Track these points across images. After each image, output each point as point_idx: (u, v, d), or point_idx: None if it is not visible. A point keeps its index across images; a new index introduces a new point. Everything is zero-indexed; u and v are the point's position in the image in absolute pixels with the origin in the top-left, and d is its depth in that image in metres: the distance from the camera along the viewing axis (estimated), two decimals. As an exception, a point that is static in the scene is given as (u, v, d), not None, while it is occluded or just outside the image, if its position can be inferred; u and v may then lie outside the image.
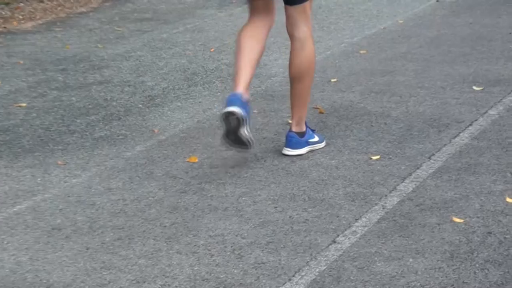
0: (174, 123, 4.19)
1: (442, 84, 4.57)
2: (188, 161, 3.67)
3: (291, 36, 3.69)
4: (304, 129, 3.72)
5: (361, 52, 5.28)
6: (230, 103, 3.46)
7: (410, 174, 3.42)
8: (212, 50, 5.47)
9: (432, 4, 6.42)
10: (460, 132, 3.87)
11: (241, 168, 3.57)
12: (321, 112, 4.23)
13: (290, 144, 3.70)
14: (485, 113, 4.11)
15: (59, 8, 6.79)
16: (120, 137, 4.02)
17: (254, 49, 3.63)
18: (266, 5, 3.68)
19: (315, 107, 4.30)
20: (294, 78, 3.68)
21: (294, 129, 3.70)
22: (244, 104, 3.47)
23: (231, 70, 5.05)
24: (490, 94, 4.38)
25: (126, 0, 7.04)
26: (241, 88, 3.52)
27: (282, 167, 3.56)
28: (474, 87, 4.49)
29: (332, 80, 4.74)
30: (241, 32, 3.69)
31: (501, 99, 4.29)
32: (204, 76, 4.94)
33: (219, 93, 4.61)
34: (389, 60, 5.05)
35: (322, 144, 3.78)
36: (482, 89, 4.46)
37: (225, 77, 4.89)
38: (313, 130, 3.81)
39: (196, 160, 3.68)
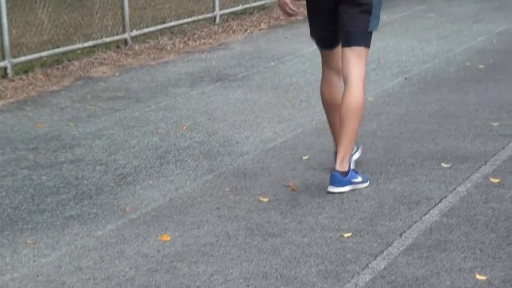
0: (146, 201, 4.18)
1: (411, 161, 4.62)
2: (160, 240, 3.65)
3: (345, 78, 4.11)
4: (346, 168, 4.08)
5: (332, 129, 5.34)
6: (332, 183, 4.09)
7: (382, 252, 3.43)
8: (184, 128, 5.51)
9: (400, 81, 6.54)
10: (430, 209, 3.91)
11: (213, 246, 3.55)
12: (293, 190, 4.25)
13: (333, 182, 4.07)
14: (454, 190, 4.16)
15: (30, 87, 6.80)
16: (91, 215, 4.00)
17: (338, 111, 4.13)
18: (332, 54, 4.22)
19: (286, 184, 4.32)
20: (342, 116, 4.08)
21: (338, 168, 4.07)
22: (345, 181, 4.08)
23: (203, 148, 5.07)
24: (458, 171, 4.44)
25: (98, 78, 7.08)
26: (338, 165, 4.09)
27: (254, 245, 3.55)
28: (443, 164, 4.55)
29: (304, 157, 4.78)
30: (322, 93, 4.32)
31: (469, 176, 4.35)
32: (176, 154, 4.96)
33: (191, 171, 4.62)
34: (359, 137, 5.10)
35: (366, 184, 4.16)
36: (451, 166, 4.52)
37: (197, 155, 4.91)
38: (356, 172, 4.16)
39: (168, 239, 3.66)
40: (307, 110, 5.83)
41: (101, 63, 7.58)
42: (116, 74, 7.24)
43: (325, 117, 5.60)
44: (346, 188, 4.09)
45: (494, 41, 7.92)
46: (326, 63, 4.29)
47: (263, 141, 5.14)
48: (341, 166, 4.08)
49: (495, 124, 5.26)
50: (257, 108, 5.92)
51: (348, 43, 4.09)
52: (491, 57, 7.20)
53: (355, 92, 4.07)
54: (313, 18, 4.26)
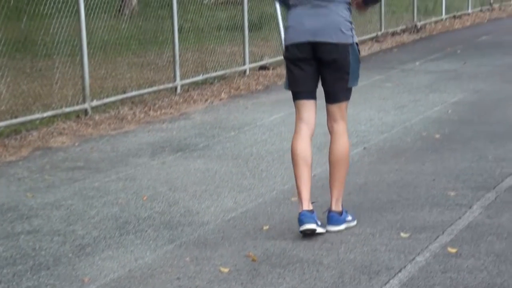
0: (105, 272, 4.13)
1: (371, 230, 4.65)
2: (118, 312, 3.60)
3: (331, 130, 4.63)
4: (341, 209, 4.61)
5: (293, 199, 5.36)
6: (302, 221, 4.48)
7: (343, 322, 3.42)
8: (145, 198, 5.49)
9: (359, 151, 6.61)
10: (390, 279, 3.92)
11: (173, 319, 3.51)
12: (253, 260, 4.24)
13: (331, 221, 4.57)
14: (413, 259, 4.19)
15: (-13, 158, 6.74)
16: (49, 287, 3.94)
17: (307, 166, 4.57)
18: (308, 106, 4.60)
19: (247, 254, 4.31)
20: (333, 164, 4.60)
21: (333, 208, 4.59)
22: (314, 217, 4.49)
23: (164, 218, 5.05)
24: (417, 240, 4.47)
25: (58, 149, 7.05)
26: (306, 206, 4.50)
27: (214, 317, 3.52)
28: (402, 234, 4.58)
29: (264, 227, 4.78)
30: (293, 146, 4.60)
31: (427, 246, 4.39)
32: (136, 224, 4.93)
33: (151, 242, 4.59)
34: (319, 207, 5.13)
35: (355, 222, 4.67)
36: (409, 235, 4.56)
37: (157, 226, 4.88)
38: (346, 211, 4.65)
39: (127, 311, 3.61)
40: (268, 180, 5.85)
41: (61, 133, 7.55)
42: (76, 144, 7.21)
43: (285, 186, 5.66)
44: (343, 227, 4.60)
45: (450, 111, 8.08)
46: (299, 116, 4.63)
47: (224, 211, 5.14)
48: (336, 207, 4.60)
49: (452, 193, 5.34)
50: (217, 178, 5.94)
51: (330, 101, 4.59)
52: (446, 127, 7.34)
53: (342, 141, 4.60)
54: (293, 72, 4.60)
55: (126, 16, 11.62)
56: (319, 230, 4.52)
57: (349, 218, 4.66)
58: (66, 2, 8.46)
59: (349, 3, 4.55)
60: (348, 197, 5.34)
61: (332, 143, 4.61)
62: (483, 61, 11.39)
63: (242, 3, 10.80)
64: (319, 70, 4.56)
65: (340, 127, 4.59)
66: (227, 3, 13.50)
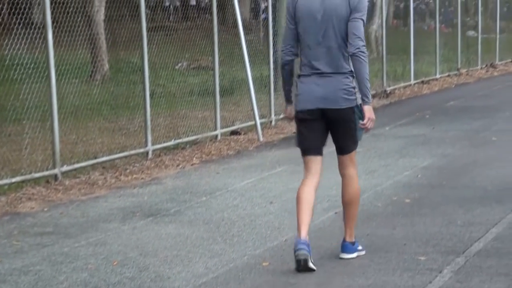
0: None
1: (343, 295, 4.64)
2: None
3: (342, 175, 5.29)
4: (353, 240, 5.32)
5: (264, 264, 5.34)
6: (298, 248, 5.01)
7: None
8: (115, 263, 5.43)
9: (330, 216, 6.62)
10: None
11: None
12: (224, 326, 4.19)
13: (345, 250, 5.29)
14: (385, 324, 4.17)
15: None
16: None
17: (309, 206, 5.11)
18: (316, 162, 5.22)
19: (218, 321, 4.26)
20: (347, 205, 5.26)
21: (348, 239, 5.29)
22: (308, 248, 5.02)
23: (134, 284, 4.99)
24: (389, 305, 4.46)
25: (26, 214, 6.97)
26: (303, 235, 5.01)
27: None
28: (374, 298, 4.58)
29: (235, 293, 4.75)
30: (299, 192, 5.17)
31: (400, 310, 4.38)
32: (106, 290, 4.87)
33: (120, 308, 4.53)
34: (291, 272, 5.12)
35: (364, 252, 5.39)
36: (382, 300, 4.55)
37: (127, 292, 4.83)
38: (357, 242, 5.36)
39: None
40: (239, 245, 5.83)
41: (30, 199, 7.48)
42: (45, 209, 7.14)
43: (257, 251, 5.64)
44: (354, 255, 5.29)
45: (419, 176, 8.15)
46: (307, 169, 5.24)
47: (195, 276, 5.10)
48: (350, 238, 5.29)
49: (422, 258, 5.35)
50: (189, 243, 5.90)
51: (342, 153, 5.26)
52: (416, 192, 7.39)
53: (354, 184, 5.26)
54: (303, 132, 5.23)
55: (97, 81, 11.68)
56: (310, 265, 5.02)
57: (360, 247, 5.36)
58: (37, 68, 8.47)
59: (352, 71, 5.11)
60: (320, 261, 5.33)
61: (345, 186, 5.25)
62: (451, 126, 11.56)
63: (213, 68, 10.91)
64: (328, 129, 5.21)
65: (352, 172, 5.25)
66: (198, 68, 13.64)
